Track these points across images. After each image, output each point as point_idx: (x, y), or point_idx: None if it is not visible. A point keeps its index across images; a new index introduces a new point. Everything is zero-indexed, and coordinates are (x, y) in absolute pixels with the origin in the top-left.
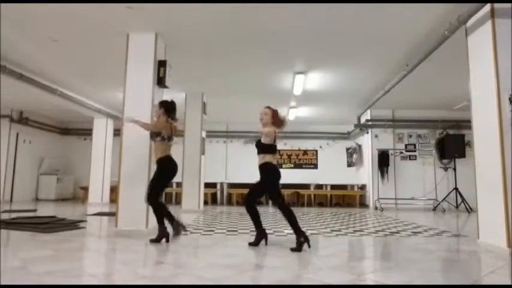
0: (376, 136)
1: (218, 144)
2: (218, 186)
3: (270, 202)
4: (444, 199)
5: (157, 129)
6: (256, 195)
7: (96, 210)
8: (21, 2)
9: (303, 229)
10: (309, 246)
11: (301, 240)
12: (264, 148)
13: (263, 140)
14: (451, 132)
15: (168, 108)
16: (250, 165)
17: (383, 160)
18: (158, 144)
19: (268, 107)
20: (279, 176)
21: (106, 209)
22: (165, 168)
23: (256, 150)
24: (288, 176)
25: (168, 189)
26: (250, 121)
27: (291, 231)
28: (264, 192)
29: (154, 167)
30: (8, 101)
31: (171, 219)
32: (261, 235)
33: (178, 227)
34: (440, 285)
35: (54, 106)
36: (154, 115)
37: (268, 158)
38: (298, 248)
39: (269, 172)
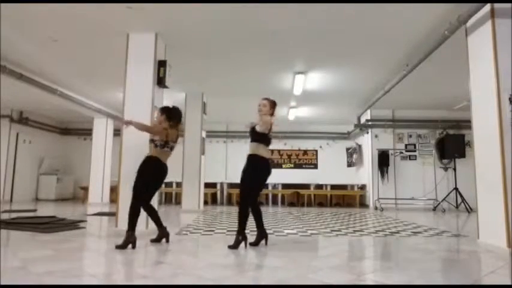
0: (376, 136)
1: (218, 144)
2: (218, 186)
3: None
4: (444, 199)
5: (150, 132)
6: (254, 191)
7: (96, 210)
8: (21, 2)
9: (293, 230)
10: (246, 246)
11: (240, 238)
12: (257, 136)
13: (258, 128)
14: (451, 132)
15: (169, 115)
16: None
17: (383, 160)
18: (152, 149)
19: (266, 98)
20: (269, 174)
21: (106, 209)
22: (148, 168)
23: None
24: (288, 176)
25: (168, 189)
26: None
27: (292, 231)
28: (259, 186)
29: None
30: (8, 101)
31: (132, 228)
32: (261, 235)
33: (129, 241)
34: (440, 285)
35: (54, 106)
36: (155, 120)
37: (261, 150)
38: (234, 246)
39: (260, 167)
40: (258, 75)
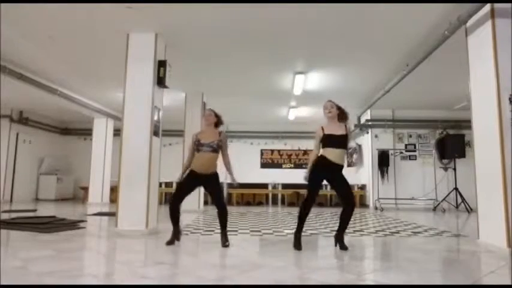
0: (376, 136)
1: None
2: None
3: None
4: (444, 199)
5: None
6: None
7: (96, 210)
8: (21, 2)
9: (293, 230)
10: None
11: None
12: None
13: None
14: (451, 132)
15: (220, 122)
16: (250, 165)
17: (383, 160)
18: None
19: (331, 101)
20: None
21: (106, 209)
22: None
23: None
24: (288, 176)
25: (168, 189)
26: (250, 121)
27: (292, 231)
28: None
29: (154, 167)
30: (8, 101)
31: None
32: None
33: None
34: (440, 285)
35: (54, 106)
36: (205, 119)
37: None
38: (345, 247)
39: None
40: (258, 75)
